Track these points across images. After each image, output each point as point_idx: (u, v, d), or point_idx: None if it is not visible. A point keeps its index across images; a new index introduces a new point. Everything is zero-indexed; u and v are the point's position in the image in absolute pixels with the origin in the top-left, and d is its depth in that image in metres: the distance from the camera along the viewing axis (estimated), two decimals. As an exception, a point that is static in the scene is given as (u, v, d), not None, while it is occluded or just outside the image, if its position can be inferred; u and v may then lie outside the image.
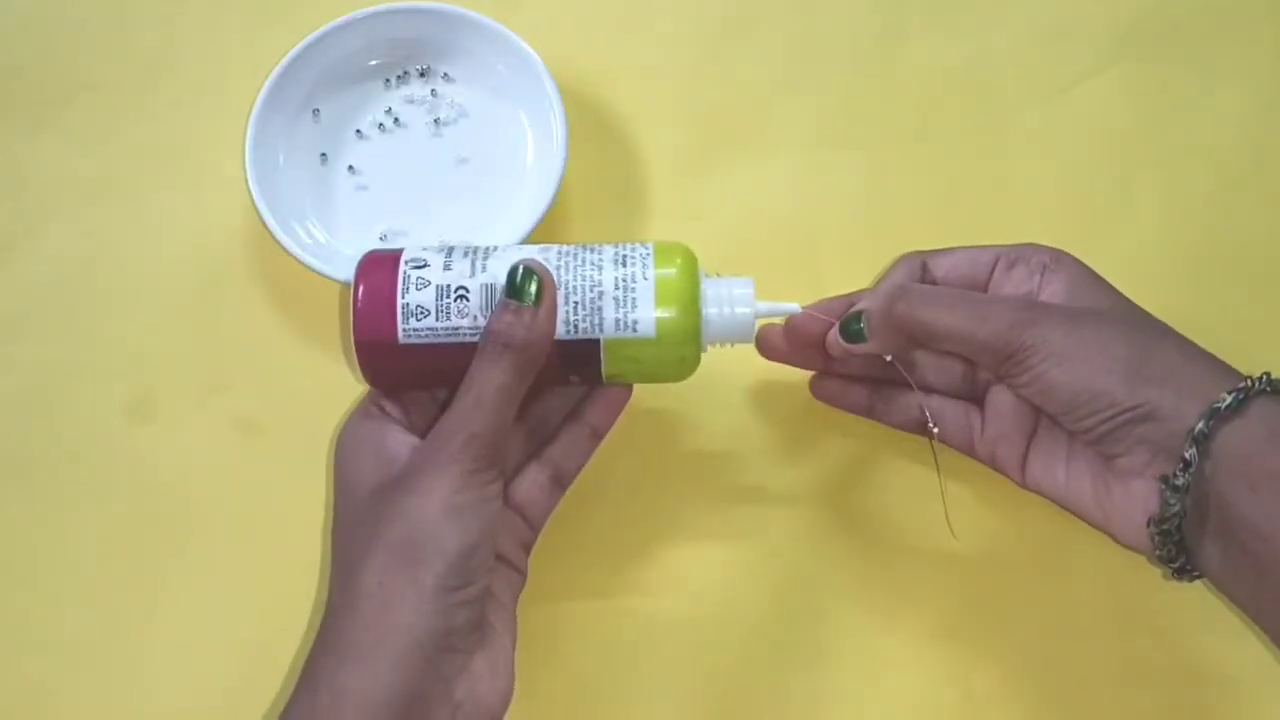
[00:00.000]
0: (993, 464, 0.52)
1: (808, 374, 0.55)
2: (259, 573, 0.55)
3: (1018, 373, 0.47)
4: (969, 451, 0.53)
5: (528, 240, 0.56)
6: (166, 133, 0.63)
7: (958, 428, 0.53)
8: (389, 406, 0.49)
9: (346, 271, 0.55)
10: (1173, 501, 0.45)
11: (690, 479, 0.56)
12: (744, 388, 0.57)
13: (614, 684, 0.53)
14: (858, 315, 0.50)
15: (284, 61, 0.59)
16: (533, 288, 0.46)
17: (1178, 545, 0.46)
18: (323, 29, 0.59)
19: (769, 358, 0.54)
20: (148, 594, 0.55)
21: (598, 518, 0.55)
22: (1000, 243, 0.53)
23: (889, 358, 0.52)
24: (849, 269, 0.57)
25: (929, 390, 0.54)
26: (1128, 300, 0.50)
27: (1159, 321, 0.49)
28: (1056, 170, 0.62)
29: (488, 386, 0.45)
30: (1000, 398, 0.52)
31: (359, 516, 0.46)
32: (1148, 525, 0.46)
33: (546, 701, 0.52)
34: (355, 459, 0.47)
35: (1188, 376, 0.46)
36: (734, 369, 0.56)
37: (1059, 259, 0.50)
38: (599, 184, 0.61)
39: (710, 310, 0.48)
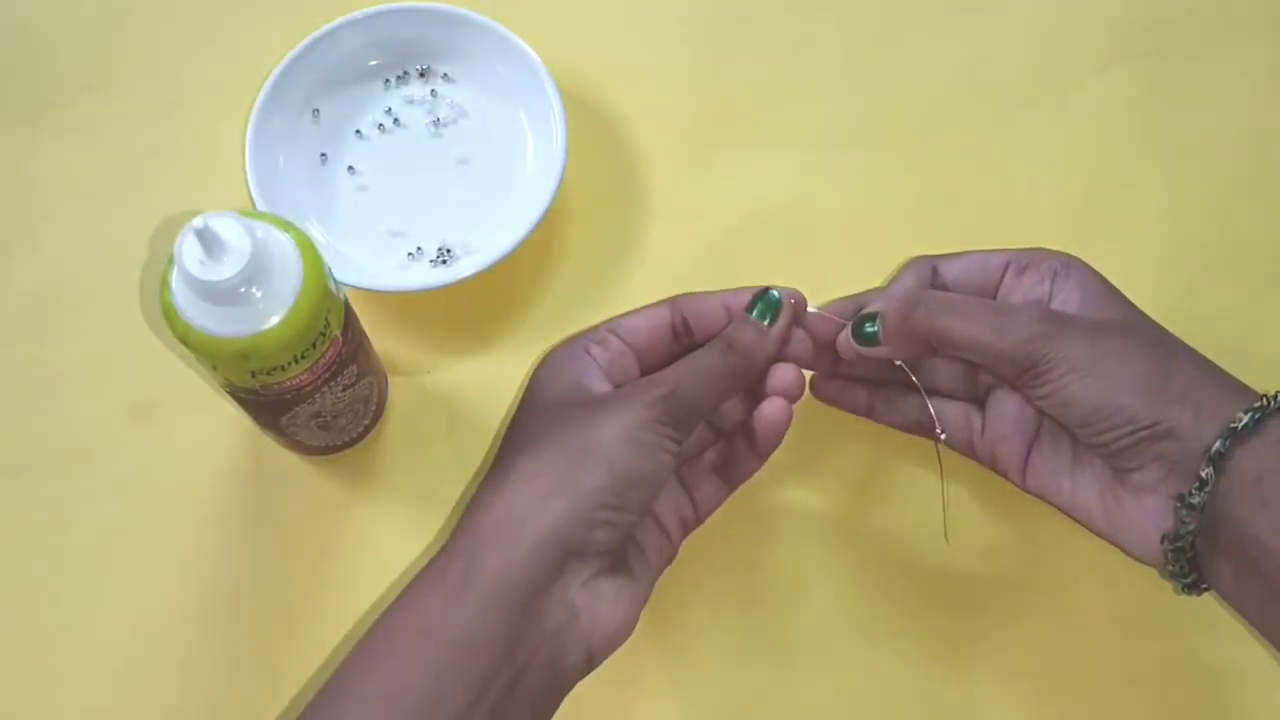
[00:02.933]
0: (992, 465, 0.52)
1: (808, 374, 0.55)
2: (261, 571, 0.55)
3: (1037, 385, 0.47)
4: (968, 452, 0.53)
5: (526, 240, 0.56)
6: (166, 133, 0.63)
7: (957, 428, 0.53)
8: (597, 353, 0.51)
9: (346, 272, 0.55)
10: (1188, 520, 0.45)
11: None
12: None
13: (611, 688, 0.53)
14: (871, 317, 0.51)
15: (284, 61, 0.59)
16: (770, 312, 0.50)
17: (1190, 562, 0.46)
18: (323, 29, 0.59)
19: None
20: (149, 593, 0.55)
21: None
22: (1002, 242, 0.53)
23: (898, 362, 0.52)
24: (849, 269, 0.57)
25: (930, 390, 0.54)
26: (1139, 310, 0.50)
27: (1171, 335, 0.49)
28: (1057, 170, 0.62)
29: (704, 366, 0.49)
30: (1003, 401, 0.51)
31: (538, 420, 0.49)
32: (1161, 542, 0.46)
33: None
34: (551, 380, 0.50)
35: (1205, 394, 0.46)
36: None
37: (1070, 265, 0.50)
38: (599, 184, 0.61)
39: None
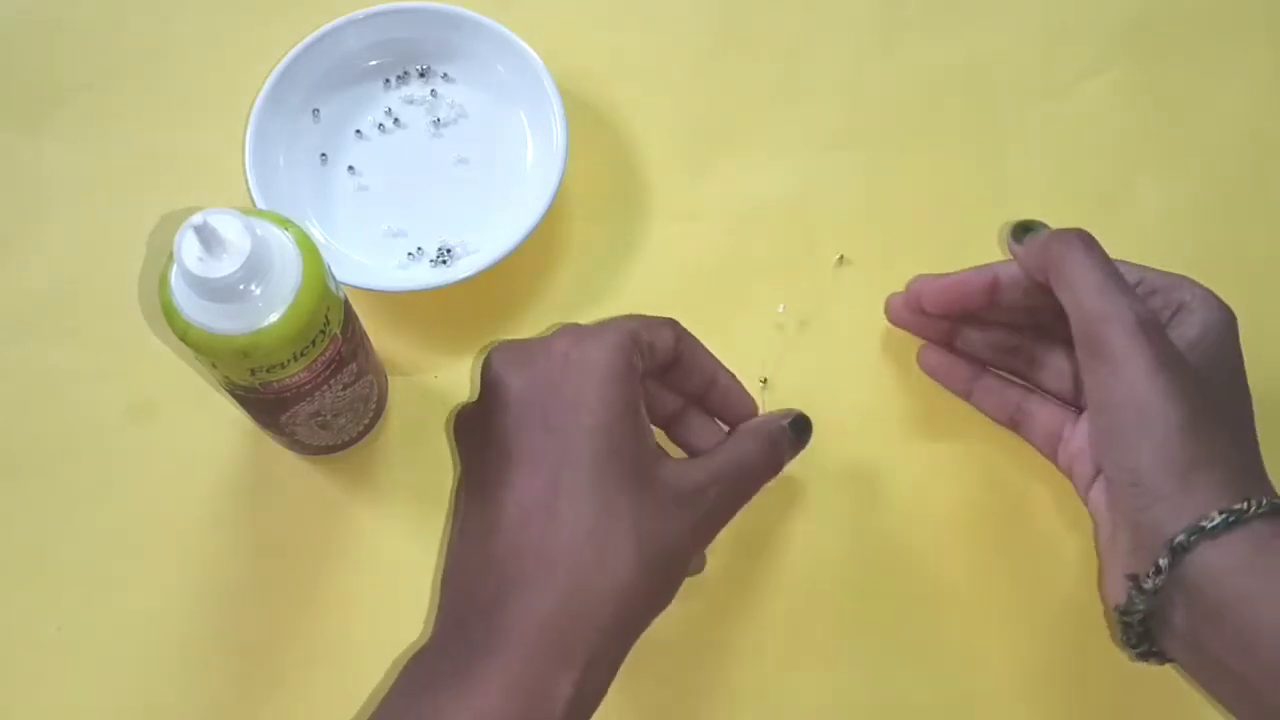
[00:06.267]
0: (1070, 476, 0.52)
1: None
2: (261, 571, 0.55)
3: (1089, 367, 0.47)
4: (1051, 455, 0.53)
5: (526, 240, 0.56)
6: (166, 133, 0.63)
7: (1047, 432, 0.53)
8: (641, 369, 0.47)
9: (346, 272, 0.55)
10: (1138, 601, 0.44)
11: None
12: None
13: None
14: (1037, 222, 0.51)
15: (284, 61, 0.59)
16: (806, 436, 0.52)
17: (1140, 636, 0.46)
18: (323, 29, 0.59)
19: (895, 324, 0.55)
20: (148, 593, 0.55)
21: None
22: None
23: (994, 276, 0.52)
24: (849, 269, 0.57)
25: (1036, 388, 0.54)
26: (1241, 374, 0.48)
27: (1243, 408, 0.48)
28: (1056, 170, 0.62)
29: (753, 475, 0.50)
30: None
31: (603, 459, 0.44)
32: (1114, 609, 0.46)
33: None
34: (606, 398, 0.45)
35: (1204, 478, 0.44)
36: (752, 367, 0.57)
37: (1205, 301, 0.49)
38: (599, 184, 0.61)
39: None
